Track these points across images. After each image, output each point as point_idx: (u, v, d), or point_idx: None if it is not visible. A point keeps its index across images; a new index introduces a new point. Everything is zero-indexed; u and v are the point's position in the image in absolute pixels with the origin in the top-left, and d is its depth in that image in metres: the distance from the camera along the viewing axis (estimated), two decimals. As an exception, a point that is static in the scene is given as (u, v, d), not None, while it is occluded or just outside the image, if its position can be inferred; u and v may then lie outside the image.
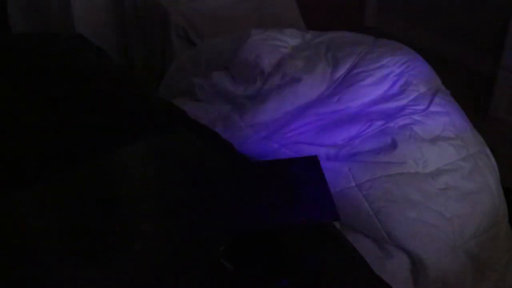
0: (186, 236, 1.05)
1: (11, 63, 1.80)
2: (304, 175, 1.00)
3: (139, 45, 2.76)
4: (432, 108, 1.68)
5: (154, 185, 1.33)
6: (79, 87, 1.68)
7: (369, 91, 1.73)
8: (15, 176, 1.30)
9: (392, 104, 1.69)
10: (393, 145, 1.54)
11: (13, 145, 1.42)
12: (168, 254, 1.09)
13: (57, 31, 2.61)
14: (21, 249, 1.10)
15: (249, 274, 0.97)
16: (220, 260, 0.97)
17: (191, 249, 1.06)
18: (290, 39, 1.99)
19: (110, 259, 1.09)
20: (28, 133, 1.48)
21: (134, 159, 1.41)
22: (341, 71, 1.80)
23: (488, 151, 1.72)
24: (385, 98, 1.72)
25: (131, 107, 1.60)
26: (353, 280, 1.08)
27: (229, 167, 1.16)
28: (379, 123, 1.61)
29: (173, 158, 1.39)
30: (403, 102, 1.70)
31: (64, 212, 1.23)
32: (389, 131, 1.58)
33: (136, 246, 1.13)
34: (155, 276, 1.03)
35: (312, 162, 1.02)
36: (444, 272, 1.45)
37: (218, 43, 2.15)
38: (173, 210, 1.16)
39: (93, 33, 2.40)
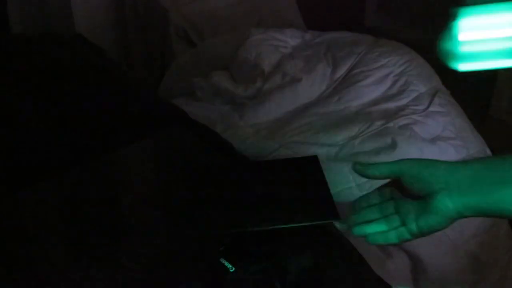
0: (186, 236, 1.05)
1: (11, 63, 1.80)
2: (304, 175, 1.00)
3: (139, 45, 2.76)
4: (432, 108, 1.68)
5: (154, 185, 1.33)
6: (79, 87, 1.68)
7: (369, 91, 1.73)
8: (15, 176, 1.30)
9: (392, 104, 1.69)
10: (393, 145, 1.54)
11: (13, 145, 1.42)
12: (168, 253, 1.09)
13: (57, 31, 2.61)
14: (21, 249, 1.10)
15: (249, 274, 0.97)
16: (220, 260, 0.97)
17: (191, 249, 1.06)
18: (290, 39, 1.99)
19: (110, 259, 1.09)
20: (28, 133, 1.48)
21: (134, 159, 1.40)
22: (341, 71, 1.80)
23: (488, 151, 1.72)
24: (385, 98, 1.72)
25: (131, 107, 1.60)
26: (353, 280, 1.08)
27: (229, 167, 1.16)
28: (379, 123, 1.61)
29: (173, 158, 1.39)
30: (403, 102, 1.70)
31: (64, 212, 1.23)
32: (389, 131, 1.58)
33: (136, 246, 1.13)
34: (155, 275, 1.03)
35: (312, 162, 1.02)
36: (444, 272, 1.44)
37: (218, 43, 2.15)
38: (173, 210, 1.15)
39: (93, 33, 2.40)
